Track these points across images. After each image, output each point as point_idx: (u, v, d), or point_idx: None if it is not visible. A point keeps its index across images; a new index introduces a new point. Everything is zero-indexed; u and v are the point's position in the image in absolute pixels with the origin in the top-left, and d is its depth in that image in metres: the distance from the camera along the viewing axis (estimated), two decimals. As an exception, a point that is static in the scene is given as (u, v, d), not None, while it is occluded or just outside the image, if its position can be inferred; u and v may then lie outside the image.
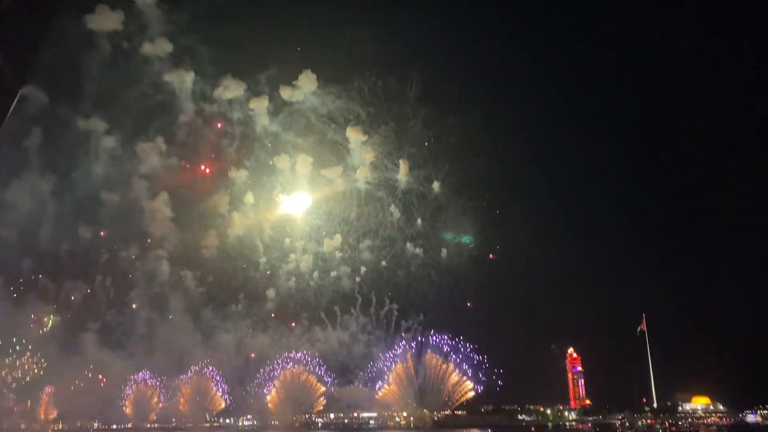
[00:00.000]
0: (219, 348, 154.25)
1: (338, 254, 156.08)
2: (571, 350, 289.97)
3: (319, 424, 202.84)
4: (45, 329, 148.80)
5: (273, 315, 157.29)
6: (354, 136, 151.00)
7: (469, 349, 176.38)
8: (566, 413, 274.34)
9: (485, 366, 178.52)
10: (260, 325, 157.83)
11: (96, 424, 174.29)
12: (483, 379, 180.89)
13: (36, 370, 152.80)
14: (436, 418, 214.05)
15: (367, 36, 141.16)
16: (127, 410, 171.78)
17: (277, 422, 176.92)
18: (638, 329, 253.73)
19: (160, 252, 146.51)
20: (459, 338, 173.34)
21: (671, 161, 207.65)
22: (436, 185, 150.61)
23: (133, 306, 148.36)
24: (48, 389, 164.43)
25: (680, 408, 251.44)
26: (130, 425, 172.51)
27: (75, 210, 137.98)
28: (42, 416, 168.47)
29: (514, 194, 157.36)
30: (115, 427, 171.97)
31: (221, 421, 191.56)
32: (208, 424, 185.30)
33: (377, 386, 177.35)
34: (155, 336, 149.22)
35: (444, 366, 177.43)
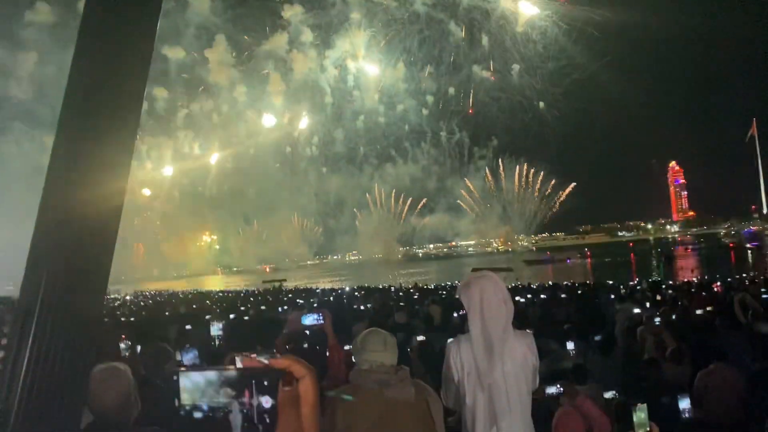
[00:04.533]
0: (297, 192, 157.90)
1: (402, 86, 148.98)
2: (672, 163, 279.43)
3: (420, 255, 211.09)
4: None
5: (344, 157, 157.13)
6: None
7: (547, 171, 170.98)
8: (668, 227, 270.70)
9: (564, 187, 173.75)
10: (332, 166, 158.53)
11: (220, 268, 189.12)
12: (569, 197, 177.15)
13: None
14: (534, 242, 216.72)
15: None
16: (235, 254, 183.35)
17: (380, 255, 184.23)
18: (748, 134, 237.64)
19: (229, 99, 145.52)
20: (539, 160, 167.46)
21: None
22: None
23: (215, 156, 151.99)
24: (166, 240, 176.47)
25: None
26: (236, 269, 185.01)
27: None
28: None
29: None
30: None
31: (329, 257, 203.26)
32: (316, 261, 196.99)
33: (460, 215, 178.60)
34: (237, 184, 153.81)
35: (528, 186, 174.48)
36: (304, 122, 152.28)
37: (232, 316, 14.06)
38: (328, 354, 4.28)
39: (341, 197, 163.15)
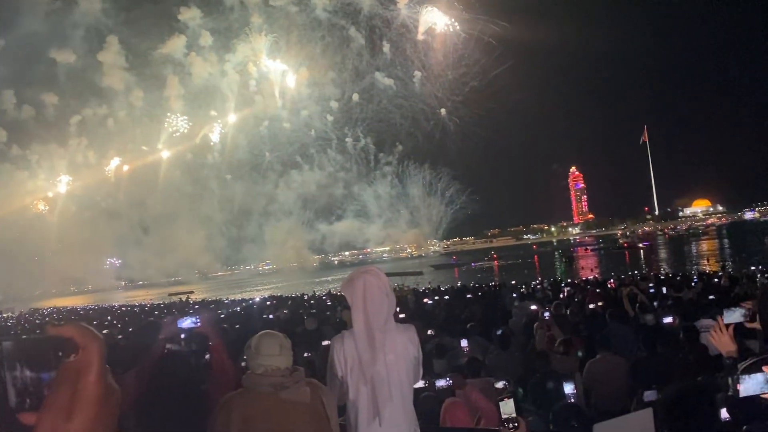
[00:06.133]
0: (200, 201, 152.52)
1: (306, 91, 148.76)
2: (573, 168, 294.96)
3: (336, 263, 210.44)
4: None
5: (248, 163, 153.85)
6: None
7: (451, 176, 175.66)
8: (570, 229, 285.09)
9: (468, 192, 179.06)
10: (236, 174, 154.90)
11: (123, 283, 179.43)
12: (472, 202, 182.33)
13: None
14: (445, 246, 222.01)
15: None
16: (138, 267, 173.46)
17: (295, 264, 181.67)
18: (640, 140, 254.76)
19: (126, 107, 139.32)
20: (443, 166, 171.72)
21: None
22: (401, 3, 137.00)
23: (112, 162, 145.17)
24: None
25: (681, 213, 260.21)
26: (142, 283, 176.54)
27: (29, 74, 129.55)
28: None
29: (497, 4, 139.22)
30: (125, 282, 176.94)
31: (242, 267, 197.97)
32: (228, 272, 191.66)
33: (369, 221, 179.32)
34: (136, 193, 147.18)
35: (433, 191, 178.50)
36: (215, 135, 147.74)
37: (130, 329, 13.45)
38: (211, 356, 4.21)
39: (247, 205, 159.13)
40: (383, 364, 3.23)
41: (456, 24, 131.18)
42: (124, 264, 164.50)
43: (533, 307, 10.84)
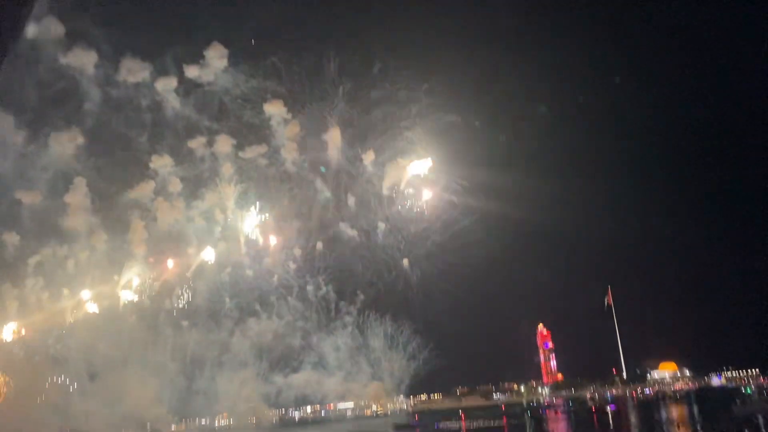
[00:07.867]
0: (154, 349, 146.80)
1: (271, 238, 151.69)
2: (540, 326, 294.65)
3: (296, 419, 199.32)
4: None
5: (207, 310, 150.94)
6: (275, 111, 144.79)
7: (412, 330, 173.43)
8: (539, 389, 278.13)
9: (431, 347, 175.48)
10: (191, 321, 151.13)
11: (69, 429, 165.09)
12: (435, 358, 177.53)
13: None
14: (413, 404, 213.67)
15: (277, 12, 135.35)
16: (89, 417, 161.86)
17: (254, 420, 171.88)
18: (605, 302, 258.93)
19: (88, 249, 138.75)
20: (404, 319, 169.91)
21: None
22: (367, 160, 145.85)
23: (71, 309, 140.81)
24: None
25: (649, 376, 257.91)
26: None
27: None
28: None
29: (456, 161, 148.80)
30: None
31: (196, 421, 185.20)
32: (182, 426, 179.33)
33: (328, 374, 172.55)
34: (90, 339, 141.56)
35: (395, 344, 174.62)
36: (177, 284, 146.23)
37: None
38: None
39: (200, 354, 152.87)
40: None
41: (419, 183, 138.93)
42: (69, 415, 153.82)
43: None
